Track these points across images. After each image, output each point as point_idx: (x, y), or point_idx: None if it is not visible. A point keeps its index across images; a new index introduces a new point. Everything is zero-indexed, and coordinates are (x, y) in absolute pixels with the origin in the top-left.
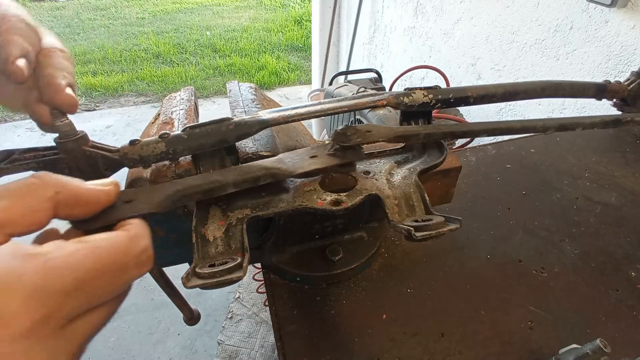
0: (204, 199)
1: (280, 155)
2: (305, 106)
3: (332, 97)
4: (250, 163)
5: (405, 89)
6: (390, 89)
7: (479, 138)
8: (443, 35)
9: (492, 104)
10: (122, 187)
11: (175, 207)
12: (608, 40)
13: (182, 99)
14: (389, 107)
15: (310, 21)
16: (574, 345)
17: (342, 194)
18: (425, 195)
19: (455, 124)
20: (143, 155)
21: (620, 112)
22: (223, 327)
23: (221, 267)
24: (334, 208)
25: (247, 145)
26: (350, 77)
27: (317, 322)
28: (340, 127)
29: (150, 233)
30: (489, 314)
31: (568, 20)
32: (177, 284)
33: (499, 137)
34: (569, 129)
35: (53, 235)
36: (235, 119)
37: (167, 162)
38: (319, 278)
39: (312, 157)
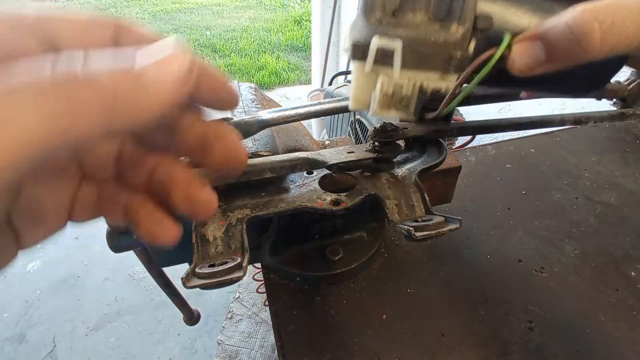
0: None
1: (318, 150)
2: (305, 106)
3: (332, 97)
4: (286, 153)
5: None
6: None
7: (479, 138)
8: None
9: (491, 104)
10: None
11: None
12: None
13: None
14: None
15: (310, 21)
16: None
17: (342, 194)
18: (425, 195)
19: (484, 120)
20: None
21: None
22: (223, 327)
23: (221, 267)
24: (334, 208)
25: (247, 145)
26: (350, 77)
27: (317, 322)
28: (378, 125)
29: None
30: (489, 314)
31: None
32: (177, 284)
33: (499, 137)
34: (583, 123)
35: None
36: (235, 118)
37: None
38: (318, 278)
39: (349, 152)
